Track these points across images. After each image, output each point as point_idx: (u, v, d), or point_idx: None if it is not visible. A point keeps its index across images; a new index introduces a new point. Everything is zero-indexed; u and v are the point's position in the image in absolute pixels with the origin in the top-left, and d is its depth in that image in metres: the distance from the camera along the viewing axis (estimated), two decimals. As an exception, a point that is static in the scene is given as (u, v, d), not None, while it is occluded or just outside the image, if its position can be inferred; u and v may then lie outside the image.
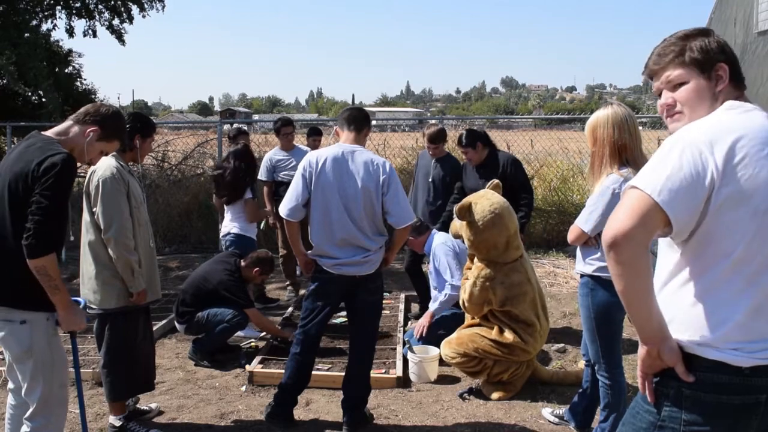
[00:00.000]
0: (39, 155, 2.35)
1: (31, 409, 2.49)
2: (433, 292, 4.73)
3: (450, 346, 3.87)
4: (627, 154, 2.80)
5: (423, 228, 4.74)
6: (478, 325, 3.87)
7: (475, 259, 3.85)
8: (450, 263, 4.48)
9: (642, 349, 1.51)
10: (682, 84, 1.60)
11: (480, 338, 3.78)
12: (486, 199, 3.78)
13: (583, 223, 2.88)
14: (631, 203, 1.42)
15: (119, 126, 2.71)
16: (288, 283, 6.34)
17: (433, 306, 4.54)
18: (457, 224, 3.94)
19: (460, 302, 3.94)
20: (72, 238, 2.61)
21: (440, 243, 4.58)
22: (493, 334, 3.76)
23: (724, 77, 1.57)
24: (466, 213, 3.75)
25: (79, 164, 2.55)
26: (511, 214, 3.80)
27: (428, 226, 4.83)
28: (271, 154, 6.22)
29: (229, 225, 5.24)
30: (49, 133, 2.53)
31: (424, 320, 4.50)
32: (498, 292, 3.71)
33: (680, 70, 1.60)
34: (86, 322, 2.65)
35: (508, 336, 3.73)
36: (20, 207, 2.34)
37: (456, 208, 3.83)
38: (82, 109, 2.63)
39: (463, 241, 3.92)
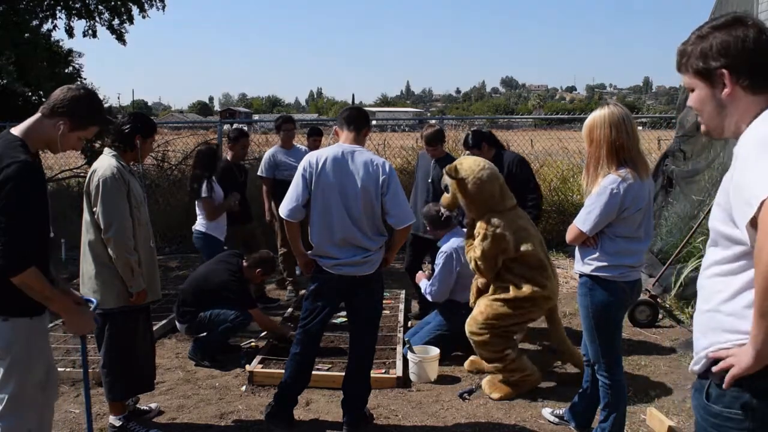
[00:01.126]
0: None
1: (0, 407, 2.41)
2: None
3: (475, 322, 3.83)
4: (624, 154, 2.80)
5: (444, 223, 4.67)
6: (493, 292, 3.85)
7: (477, 223, 3.80)
8: (440, 273, 4.49)
9: (750, 361, 1.39)
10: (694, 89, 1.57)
11: (499, 304, 3.76)
12: (469, 158, 3.96)
13: (582, 223, 2.89)
14: None
15: (90, 111, 2.51)
16: (288, 281, 6.35)
17: (423, 283, 4.73)
18: (448, 195, 3.97)
19: (472, 266, 3.87)
20: (52, 234, 2.50)
21: (445, 250, 4.54)
22: (511, 293, 3.75)
23: (726, 84, 1.50)
24: (455, 171, 3.82)
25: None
26: (493, 166, 3.93)
27: (448, 223, 4.71)
28: (273, 151, 6.24)
29: (197, 223, 5.24)
30: (18, 130, 2.41)
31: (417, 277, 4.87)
32: (509, 238, 3.70)
33: (686, 77, 1.57)
34: (97, 323, 2.62)
35: (525, 289, 3.72)
36: None
37: (446, 168, 3.89)
38: (50, 99, 2.48)
39: (460, 208, 3.94)
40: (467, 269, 4.53)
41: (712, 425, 1.51)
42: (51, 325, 2.67)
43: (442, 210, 4.38)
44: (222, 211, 5.19)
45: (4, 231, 2.20)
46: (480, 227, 3.77)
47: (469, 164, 3.84)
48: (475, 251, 3.78)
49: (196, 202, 5.20)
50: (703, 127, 1.61)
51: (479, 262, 3.77)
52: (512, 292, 3.75)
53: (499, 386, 3.88)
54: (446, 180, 3.93)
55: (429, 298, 4.60)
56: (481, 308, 3.84)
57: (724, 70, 1.49)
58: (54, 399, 2.70)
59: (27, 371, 2.42)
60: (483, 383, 3.98)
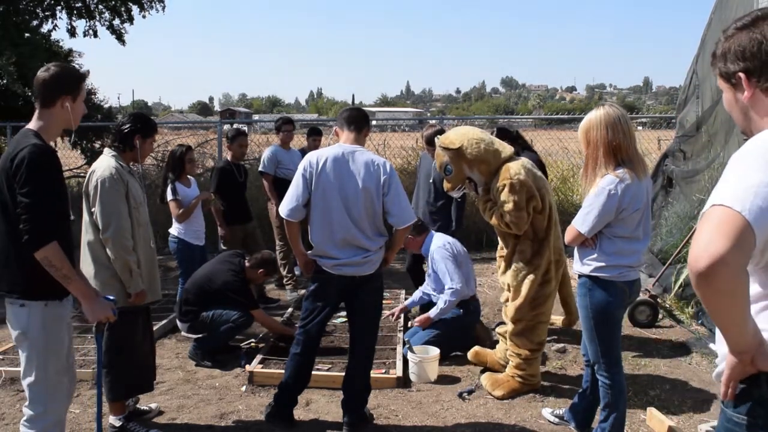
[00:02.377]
0: (11, 151, 2.43)
1: (27, 396, 2.53)
2: (432, 296, 4.73)
3: (524, 307, 3.74)
4: (622, 154, 2.80)
5: (422, 227, 4.73)
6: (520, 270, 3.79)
7: (495, 180, 3.71)
8: (449, 267, 4.47)
9: (732, 359, 1.41)
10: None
11: (531, 277, 3.72)
12: (448, 132, 3.96)
13: (580, 224, 2.89)
14: (719, 222, 1.25)
15: (72, 77, 2.60)
16: (287, 278, 6.36)
17: (433, 311, 4.50)
18: (451, 174, 3.86)
19: (505, 222, 3.65)
20: (72, 218, 2.61)
21: (438, 246, 4.56)
22: (543, 263, 3.73)
23: (744, 87, 1.45)
24: (450, 144, 3.76)
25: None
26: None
27: (427, 227, 4.82)
28: (274, 149, 6.32)
29: (171, 227, 5.19)
30: (30, 125, 2.53)
31: (420, 321, 4.55)
32: (531, 183, 3.64)
33: (718, 77, 1.54)
34: (114, 315, 2.69)
35: (546, 255, 3.72)
36: (5, 202, 2.42)
37: (438, 144, 3.87)
38: (39, 95, 2.56)
39: (473, 178, 3.84)
40: (463, 257, 4.56)
41: (726, 429, 1.53)
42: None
43: (453, 194, 4.19)
44: (191, 211, 5.08)
45: (24, 209, 2.34)
46: (502, 179, 3.64)
47: (456, 134, 3.83)
48: (506, 205, 3.60)
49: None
50: (738, 127, 1.60)
51: (513, 214, 3.59)
52: (544, 263, 3.73)
53: (502, 382, 3.88)
54: (444, 159, 3.84)
55: (454, 298, 4.44)
56: (521, 291, 3.74)
57: (740, 74, 1.45)
58: (72, 393, 2.74)
59: (45, 356, 2.50)
60: (483, 378, 3.98)
